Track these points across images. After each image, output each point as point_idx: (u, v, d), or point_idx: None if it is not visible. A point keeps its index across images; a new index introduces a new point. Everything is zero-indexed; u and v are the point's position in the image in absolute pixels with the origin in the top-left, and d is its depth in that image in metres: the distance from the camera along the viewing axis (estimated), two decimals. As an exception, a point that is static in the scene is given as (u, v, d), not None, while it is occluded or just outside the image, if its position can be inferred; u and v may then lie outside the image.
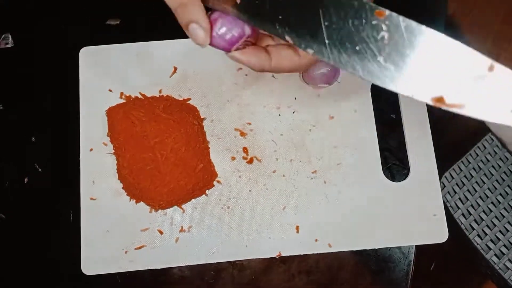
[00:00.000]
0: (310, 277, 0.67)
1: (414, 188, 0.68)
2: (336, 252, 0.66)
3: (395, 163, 0.70)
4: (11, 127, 0.71)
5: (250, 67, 0.43)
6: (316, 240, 0.66)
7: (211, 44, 0.44)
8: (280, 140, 0.69)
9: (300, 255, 0.66)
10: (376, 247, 0.67)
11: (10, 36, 0.73)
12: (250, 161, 0.69)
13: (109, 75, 0.71)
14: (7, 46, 0.73)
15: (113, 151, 0.67)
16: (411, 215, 0.67)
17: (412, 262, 0.67)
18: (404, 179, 0.69)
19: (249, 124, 0.70)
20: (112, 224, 0.66)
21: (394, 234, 0.66)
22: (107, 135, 0.67)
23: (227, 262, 0.67)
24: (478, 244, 1.08)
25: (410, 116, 0.70)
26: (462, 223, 1.09)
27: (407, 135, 0.70)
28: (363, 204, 0.67)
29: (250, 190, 0.68)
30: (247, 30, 0.43)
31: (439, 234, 0.67)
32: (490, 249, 1.08)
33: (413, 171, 0.68)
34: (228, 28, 0.42)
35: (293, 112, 0.70)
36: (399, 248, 0.68)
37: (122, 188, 0.67)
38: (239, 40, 0.43)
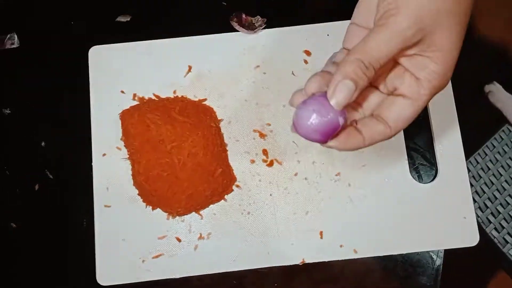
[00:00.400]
0: (335, 284, 0.65)
1: (442, 190, 0.65)
2: (362, 258, 0.64)
3: (422, 164, 0.67)
4: (19, 132, 0.69)
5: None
6: (341, 246, 0.64)
7: (304, 135, 0.41)
8: (301, 141, 0.66)
9: (324, 262, 0.64)
10: (404, 252, 0.64)
11: (16, 35, 0.70)
12: (270, 164, 0.66)
13: (120, 75, 0.68)
14: (13, 46, 0.70)
15: (128, 156, 0.64)
16: (440, 217, 0.64)
17: (441, 266, 0.65)
18: (432, 180, 0.66)
19: (269, 125, 0.67)
20: (127, 232, 0.64)
21: (422, 238, 0.64)
22: (121, 139, 0.65)
23: (248, 270, 0.64)
24: (495, 237, 1.07)
25: (438, 114, 0.67)
26: (478, 216, 1.07)
27: (435, 134, 0.66)
28: (389, 207, 0.65)
29: (270, 195, 0.65)
30: (341, 120, 0.40)
31: (470, 237, 0.64)
32: (507, 242, 1.06)
33: (441, 172, 0.66)
34: (324, 121, 0.39)
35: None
36: (427, 252, 0.65)
37: (138, 194, 0.64)
38: (335, 132, 0.41)
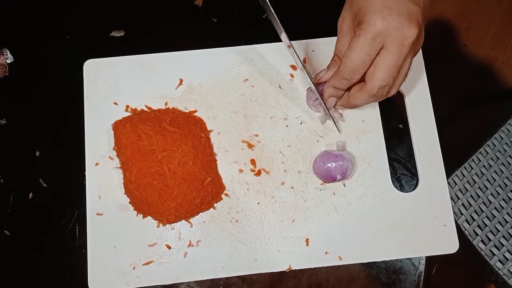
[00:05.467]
0: (320, 290, 0.66)
1: (423, 198, 0.67)
2: (347, 264, 0.66)
3: (404, 173, 0.70)
4: (14, 142, 0.70)
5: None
6: (326, 253, 0.65)
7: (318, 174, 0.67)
8: (288, 152, 0.69)
9: (310, 268, 0.66)
10: (387, 259, 0.66)
11: (8, 51, 0.72)
12: (258, 173, 0.68)
13: (114, 87, 0.70)
14: (7, 61, 0.72)
15: (120, 165, 0.66)
16: (421, 225, 0.66)
17: (422, 273, 0.67)
18: (413, 189, 0.68)
19: (256, 135, 0.69)
20: (119, 240, 0.65)
21: (405, 245, 0.66)
22: (113, 149, 0.66)
23: (236, 276, 0.66)
24: (482, 250, 1.08)
25: (418, 126, 0.70)
26: (466, 229, 1.09)
27: (415, 145, 0.69)
28: (372, 215, 0.67)
29: (258, 203, 0.67)
30: (349, 171, 0.65)
31: (450, 244, 0.66)
32: (494, 254, 1.07)
33: (422, 181, 0.68)
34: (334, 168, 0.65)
35: (301, 123, 0.70)
36: (409, 259, 0.67)
37: (129, 202, 0.66)
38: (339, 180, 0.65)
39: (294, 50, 0.61)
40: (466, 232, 1.08)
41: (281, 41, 0.69)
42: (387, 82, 0.54)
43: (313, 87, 0.63)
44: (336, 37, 0.60)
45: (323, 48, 0.72)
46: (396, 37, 0.51)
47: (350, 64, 0.54)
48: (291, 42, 0.60)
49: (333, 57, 0.61)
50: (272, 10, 0.55)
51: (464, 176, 1.13)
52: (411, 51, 0.54)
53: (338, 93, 0.61)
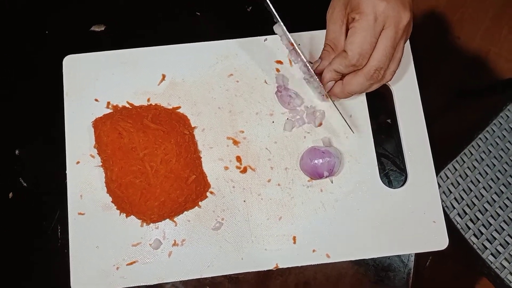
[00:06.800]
0: (308, 289, 0.65)
1: (412, 195, 0.66)
2: (335, 262, 0.65)
3: (392, 169, 0.68)
4: (-7, 141, 0.69)
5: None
6: (313, 251, 0.64)
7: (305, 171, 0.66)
8: (274, 148, 0.67)
9: (297, 266, 0.65)
10: (375, 256, 0.65)
11: None
12: (244, 171, 0.67)
13: (94, 84, 0.69)
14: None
15: (101, 163, 0.64)
16: (410, 222, 0.65)
17: (412, 270, 0.66)
18: (402, 185, 0.67)
19: (242, 132, 0.68)
20: (102, 240, 0.64)
21: (393, 242, 0.65)
22: (94, 147, 0.65)
23: (222, 276, 0.65)
24: (474, 243, 1.07)
25: (406, 120, 0.68)
26: (458, 223, 1.08)
27: (403, 140, 0.68)
28: (360, 212, 0.66)
29: (244, 201, 0.66)
30: (336, 167, 0.64)
31: (439, 241, 0.65)
32: (486, 248, 1.07)
33: (411, 177, 0.67)
34: (321, 164, 0.64)
35: (287, 119, 0.68)
36: (398, 256, 0.66)
37: (111, 202, 0.64)
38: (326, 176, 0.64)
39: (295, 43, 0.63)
40: (458, 226, 1.08)
41: (267, 34, 0.68)
42: (383, 63, 0.55)
43: (312, 72, 0.63)
44: (320, 31, 0.59)
45: (306, 41, 0.71)
46: (393, 18, 0.53)
47: (358, 50, 0.54)
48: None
49: (324, 47, 0.61)
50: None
51: (456, 169, 1.12)
52: (403, 35, 0.55)
53: (338, 77, 0.61)
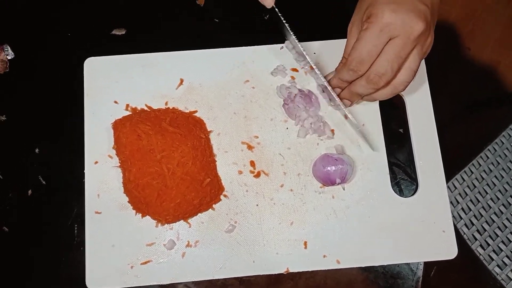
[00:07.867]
0: (318, 293, 0.66)
1: (423, 204, 0.67)
2: (345, 268, 0.65)
3: (403, 178, 0.70)
4: (14, 139, 0.70)
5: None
6: (324, 256, 0.65)
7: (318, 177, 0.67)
8: (288, 154, 0.69)
9: (308, 271, 0.66)
10: (385, 264, 0.66)
11: (9, 47, 0.72)
12: (257, 175, 0.68)
13: (114, 86, 0.70)
14: (8, 57, 0.72)
15: (119, 164, 0.66)
16: (420, 231, 0.66)
17: (420, 278, 0.67)
18: (413, 194, 0.68)
19: (256, 137, 0.69)
20: (117, 239, 0.65)
21: (403, 250, 0.66)
22: (113, 148, 0.66)
23: (234, 278, 0.66)
24: (480, 254, 1.08)
25: (418, 130, 0.69)
26: (464, 233, 1.09)
27: (415, 150, 0.69)
28: (371, 219, 0.67)
29: (257, 205, 0.67)
30: (348, 175, 0.65)
31: (449, 250, 0.66)
32: (492, 259, 1.07)
33: (422, 186, 0.68)
34: (334, 171, 0.65)
35: (301, 126, 0.69)
36: (407, 264, 0.67)
37: (128, 202, 0.66)
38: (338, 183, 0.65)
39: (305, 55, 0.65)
40: (465, 236, 1.08)
41: (283, 42, 0.69)
42: (384, 70, 0.56)
43: (327, 85, 0.64)
44: (341, 40, 0.60)
45: (325, 50, 0.72)
46: (403, 30, 0.53)
47: (356, 55, 0.56)
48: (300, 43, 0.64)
49: (341, 59, 0.62)
50: (282, 17, 0.60)
51: (464, 180, 1.13)
52: (417, 46, 0.56)
53: (343, 85, 0.63)
